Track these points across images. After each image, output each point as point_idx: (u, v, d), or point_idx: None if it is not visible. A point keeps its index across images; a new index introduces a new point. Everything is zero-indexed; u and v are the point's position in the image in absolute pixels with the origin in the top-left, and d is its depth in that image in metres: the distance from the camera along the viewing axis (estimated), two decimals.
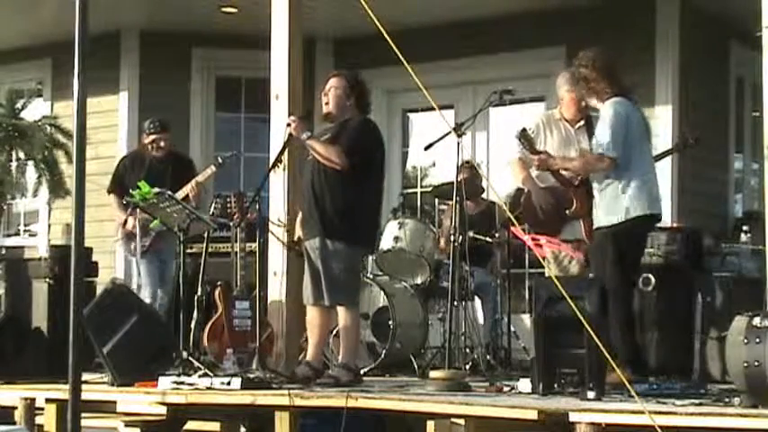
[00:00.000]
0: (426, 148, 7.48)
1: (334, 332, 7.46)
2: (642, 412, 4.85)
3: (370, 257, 8.34)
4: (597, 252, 6.50)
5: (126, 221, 8.25)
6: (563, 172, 6.81)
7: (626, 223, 6.41)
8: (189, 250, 8.21)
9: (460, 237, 7.26)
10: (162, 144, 8.44)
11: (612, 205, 6.44)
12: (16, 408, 6.87)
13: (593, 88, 6.60)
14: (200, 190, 8.26)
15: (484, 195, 9.12)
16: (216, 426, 7.02)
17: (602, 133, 6.45)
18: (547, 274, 7.15)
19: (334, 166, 6.79)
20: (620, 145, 6.42)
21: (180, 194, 8.05)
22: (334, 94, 7.01)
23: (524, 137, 6.74)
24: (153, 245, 8.29)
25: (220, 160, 8.34)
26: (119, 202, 8.31)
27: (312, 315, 6.96)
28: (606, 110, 6.53)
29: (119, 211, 8.36)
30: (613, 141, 6.41)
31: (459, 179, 7.20)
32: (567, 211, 6.81)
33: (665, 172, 9.30)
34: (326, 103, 7.04)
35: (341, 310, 6.86)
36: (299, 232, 7.13)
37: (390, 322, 8.17)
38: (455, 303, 7.16)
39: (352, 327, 6.90)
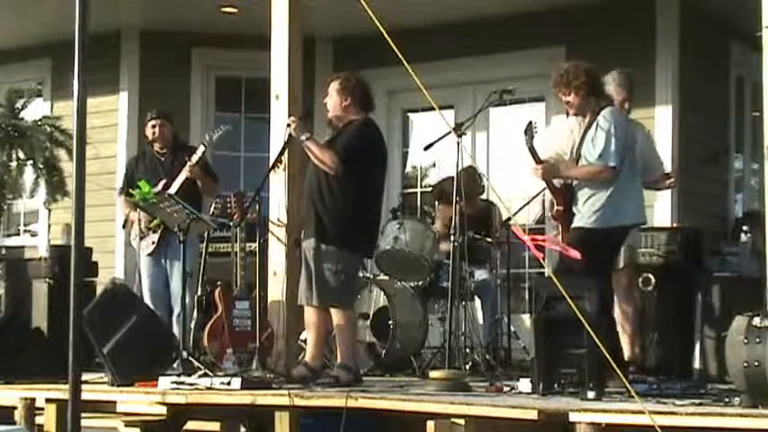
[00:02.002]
0: (426, 149, 7.48)
1: (334, 333, 7.47)
2: (642, 412, 4.85)
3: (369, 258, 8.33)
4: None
5: (139, 221, 8.17)
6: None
7: (605, 230, 6.58)
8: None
9: (461, 237, 7.27)
10: (163, 131, 8.42)
11: (595, 209, 6.57)
12: (16, 408, 6.87)
13: (581, 99, 6.66)
14: (198, 170, 8.22)
15: (483, 196, 9.12)
16: (216, 426, 7.02)
17: (603, 141, 6.54)
18: (547, 274, 7.16)
19: (327, 170, 6.80)
20: (620, 154, 6.54)
21: (179, 179, 8.06)
22: (330, 99, 7.04)
23: (529, 131, 6.74)
24: (160, 243, 8.24)
25: (207, 137, 8.33)
26: (126, 202, 8.29)
27: (308, 315, 6.97)
28: (607, 118, 6.61)
29: (126, 210, 8.32)
30: (615, 151, 6.54)
31: (459, 173, 7.20)
32: (550, 214, 6.82)
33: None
34: (327, 107, 7.07)
35: (333, 312, 6.86)
36: None
37: (390, 322, 8.17)
38: (455, 303, 7.17)
39: (347, 327, 6.89)
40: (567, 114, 7.21)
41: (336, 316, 6.87)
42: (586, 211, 6.60)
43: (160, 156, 8.45)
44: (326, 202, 6.84)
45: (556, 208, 6.73)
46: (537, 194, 8.26)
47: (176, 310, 8.00)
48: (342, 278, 6.83)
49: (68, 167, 9.59)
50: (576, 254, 6.31)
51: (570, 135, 6.95)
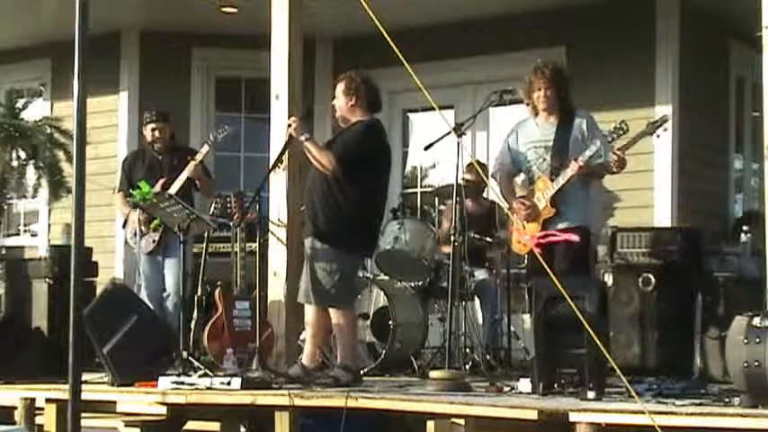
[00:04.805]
0: (426, 149, 7.48)
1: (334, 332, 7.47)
2: (642, 412, 4.85)
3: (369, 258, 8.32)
4: (561, 251, 6.70)
5: (139, 220, 8.18)
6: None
7: (587, 229, 6.82)
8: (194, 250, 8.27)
9: (461, 237, 7.26)
10: (160, 134, 8.44)
11: (585, 210, 6.82)
12: (16, 408, 6.87)
13: (555, 96, 6.75)
14: (200, 170, 8.23)
15: (484, 195, 9.12)
16: (216, 426, 7.02)
17: (604, 145, 6.68)
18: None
19: (324, 171, 6.79)
20: None
21: (181, 178, 8.07)
22: (337, 101, 7.04)
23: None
24: (160, 243, 8.24)
25: (212, 137, 8.35)
26: (125, 201, 8.29)
27: (307, 313, 6.96)
28: (591, 117, 6.84)
29: (125, 210, 8.33)
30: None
31: (463, 179, 7.21)
32: (529, 212, 6.84)
33: (665, 172, 9.33)
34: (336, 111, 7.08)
35: (332, 312, 6.85)
36: None
37: (390, 322, 8.16)
38: (455, 303, 7.16)
39: (346, 327, 6.88)
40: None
41: (335, 316, 6.86)
42: (580, 212, 6.75)
43: (158, 156, 8.47)
44: (324, 202, 6.83)
45: (549, 208, 6.72)
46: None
47: (170, 305, 8.07)
48: (337, 278, 6.80)
49: (68, 167, 9.61)
50: (575, 237, 6.50)
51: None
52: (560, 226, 6.70)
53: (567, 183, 6.67)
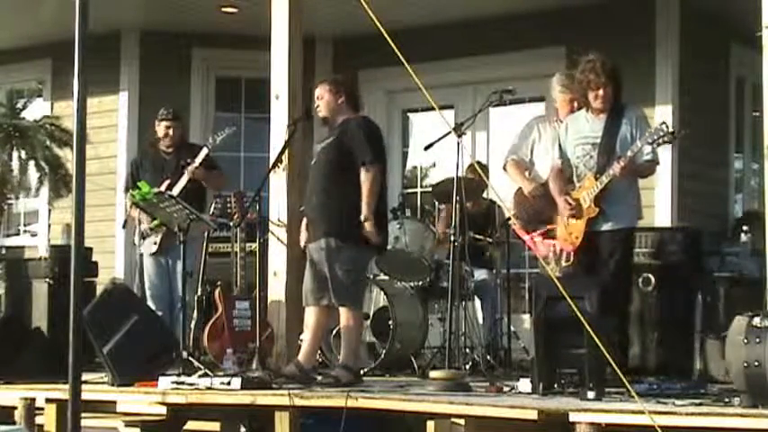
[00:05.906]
0: (426, 149, 7.48)
1: (335, 332, 7.45)
2: (642, 412, 4.85)
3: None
4: (606, 252, 6.63)
5: (139, 221, 8.18)
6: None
7: (633, 229, 6.82)
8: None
9: (461, 237, 7.26)
10: (174, 132, 8.44)
11: (635, 209, 6.76)
12: (16, 408, 6.87)
13: (611, 92, 6.67)
14: (201, 172, 8.22)
15: (484, 195, 9.12)
16: (216, 426, 7.02)
17: (639, 142, 6.56)
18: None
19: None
20: None
21: (181, 182, 8.06)
22: (322, 100, 7.05)
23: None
24: (163, 243, 8.23)
25: (211, 140, 8.34)
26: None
27: (309, 315, 6.94)
28: (641, 114, 6.78)
29: (133, 211, 8.33)
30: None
31: (461, 178, 7.20)
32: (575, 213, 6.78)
33: (665, 172, 9.32)
34: (319, 109, 7.08)
35: (343, 311, 6.85)
36: (303, 237, 7.10)
37: (390, 322, 8.17)
38: (455, 303, 7.16)
39: (355, 327, 6.89)
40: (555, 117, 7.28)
41: (345, 315, 6.84)
42: (627, 212, 6.72)
43: (165, 155, 8.47)
44: (332, 202, 6.82)
45: (593, 207, 6.65)
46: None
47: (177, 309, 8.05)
48: (353, 277, 6.83)
49: (70, 165, 9.61)
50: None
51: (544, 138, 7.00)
52: (605, 227, 6.62)
53: (610, 182, 6.57)
